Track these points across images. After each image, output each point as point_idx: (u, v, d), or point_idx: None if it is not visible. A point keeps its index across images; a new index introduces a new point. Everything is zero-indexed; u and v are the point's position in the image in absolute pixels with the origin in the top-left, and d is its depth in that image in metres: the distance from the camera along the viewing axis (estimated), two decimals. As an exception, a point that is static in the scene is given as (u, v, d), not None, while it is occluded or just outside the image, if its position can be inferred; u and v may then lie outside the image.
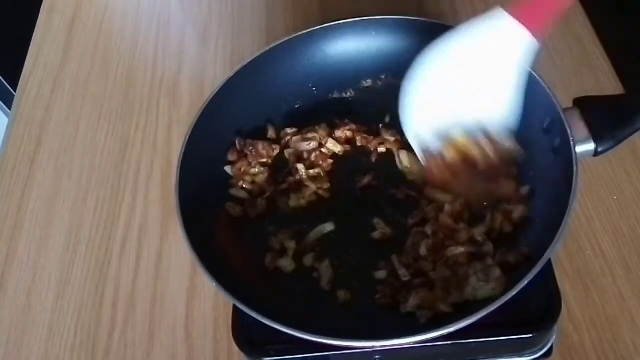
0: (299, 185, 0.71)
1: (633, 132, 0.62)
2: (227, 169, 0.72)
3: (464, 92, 0.61)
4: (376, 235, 0.67)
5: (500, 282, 0.59)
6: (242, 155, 0.73)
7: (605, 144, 0.62)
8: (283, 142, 0.75)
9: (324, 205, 0.71)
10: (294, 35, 0.75)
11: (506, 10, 0.57)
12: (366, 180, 0.71)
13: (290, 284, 0.65)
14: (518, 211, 0.64)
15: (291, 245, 0.67)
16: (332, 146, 0.74)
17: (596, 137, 0.62)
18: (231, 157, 0.73)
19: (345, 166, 0.73)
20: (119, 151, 0.88)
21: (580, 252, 0.73)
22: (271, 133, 0.75)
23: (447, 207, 0.66)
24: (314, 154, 0.73)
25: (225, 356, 0.70)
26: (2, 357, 0.73)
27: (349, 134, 0.74)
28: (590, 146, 0.62)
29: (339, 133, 0.74)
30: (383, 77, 0.78)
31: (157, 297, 0.75)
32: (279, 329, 0.55)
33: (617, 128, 0.62)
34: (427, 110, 0.62)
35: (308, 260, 0.66)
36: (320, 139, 0.73)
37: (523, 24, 0.56)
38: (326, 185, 0.72)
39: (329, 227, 0.68)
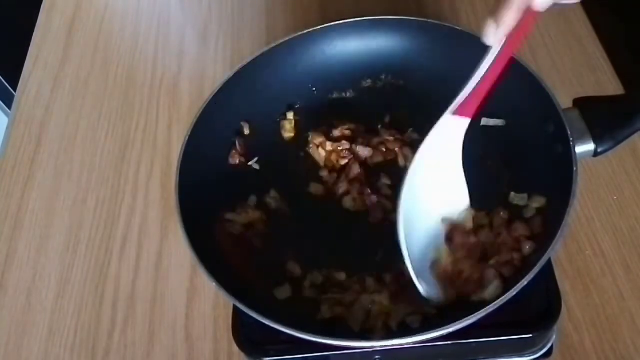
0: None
1: (633, 133, 0.62)
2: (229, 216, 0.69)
3: (434, 197, 0.63)
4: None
5: (498, 284, 0.59)
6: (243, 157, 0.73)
7: (605, 144, 0.62)
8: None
9: (324, 206, 0.70)
10: (294, 35, 0.75)
11: (450, 113, 0.61)
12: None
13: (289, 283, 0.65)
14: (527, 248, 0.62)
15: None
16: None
17: (596, 138, 0.62)
18: (232, 159, 0.72)
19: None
20: (119, 151, 0.88)
21: (580, 252, 0.73)
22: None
23: None
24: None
25: (225, 356, 0.70)
26: (2, 357, 0.73)
27: (347, 132, 0.74)
28: (590, 146, 0.62)
29: (336, 133, 0.74)
30: (383, 77, 0.78)
31: (157, 297, 0.75)
32: (279, 329, 0.55)
33: (616, 128, 0.62)
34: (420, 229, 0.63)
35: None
36: (319, 143, 0.73)
37: (464, 116, 0.61)
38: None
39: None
